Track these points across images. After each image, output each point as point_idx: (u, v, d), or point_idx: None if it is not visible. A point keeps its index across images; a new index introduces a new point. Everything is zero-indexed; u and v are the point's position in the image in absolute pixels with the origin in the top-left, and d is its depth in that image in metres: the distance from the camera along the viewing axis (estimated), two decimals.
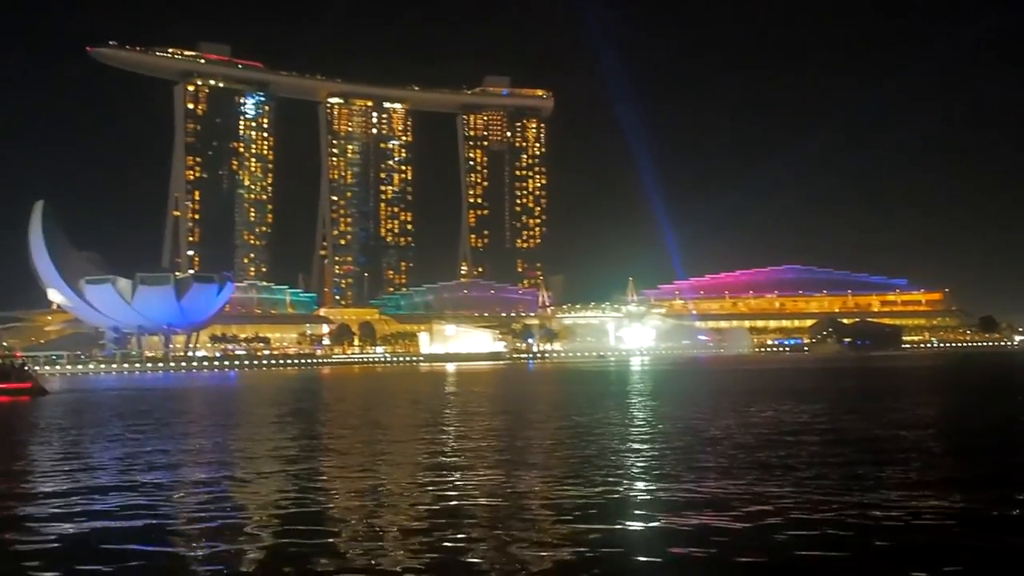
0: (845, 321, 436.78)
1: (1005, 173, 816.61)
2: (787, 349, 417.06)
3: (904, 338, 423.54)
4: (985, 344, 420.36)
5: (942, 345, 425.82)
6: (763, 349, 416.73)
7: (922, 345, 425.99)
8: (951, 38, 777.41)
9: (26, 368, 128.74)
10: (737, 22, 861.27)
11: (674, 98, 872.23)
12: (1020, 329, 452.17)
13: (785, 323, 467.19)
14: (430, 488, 30.99)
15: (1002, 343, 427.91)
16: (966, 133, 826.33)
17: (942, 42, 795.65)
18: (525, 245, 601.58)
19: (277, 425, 58.87)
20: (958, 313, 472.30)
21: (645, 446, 42.02)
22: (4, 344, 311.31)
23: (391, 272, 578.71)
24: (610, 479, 32.18)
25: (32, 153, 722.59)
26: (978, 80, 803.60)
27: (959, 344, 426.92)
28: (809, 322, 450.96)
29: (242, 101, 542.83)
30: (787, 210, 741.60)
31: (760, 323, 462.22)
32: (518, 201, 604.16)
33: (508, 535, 22.93)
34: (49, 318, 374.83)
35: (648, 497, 28.81)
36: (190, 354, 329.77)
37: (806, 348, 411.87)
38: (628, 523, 24.44)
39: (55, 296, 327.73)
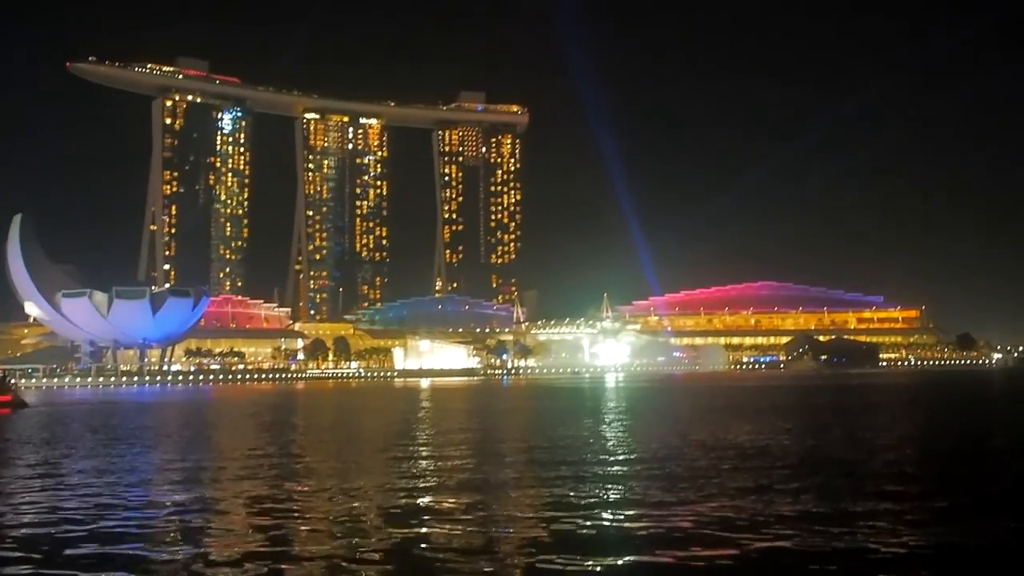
0: (821, 338, 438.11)
1: (982, 188, 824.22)
2: (763, 366, 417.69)
3: (881, 355, 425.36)
4: (962, 362, 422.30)
5: (919, 363, 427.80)
6: (739, 366, 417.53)
7: (899, 363, 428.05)
8: (926, 49, 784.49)
9: (7, 381, 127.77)
10: (709, 37, 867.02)
11: (648, 113, 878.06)
12: (998, 347, 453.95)
13: (761, 340, 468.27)
14: (398, 516, 31.08)
15: (979, 361, 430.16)
16: (943, 146, 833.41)
17: (918, 53, 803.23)
18: (500, 260, 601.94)
19: (249, 440, 58.75)
20: (935, 330, 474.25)
21: (620, 469, 42.25)
22: None
23: (366, 287, 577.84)
24: (585, 508, 32.35)
25: (10, 167, 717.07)
26: (954, 91, 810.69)
27: (936, 362, 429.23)
28: (785, 339, 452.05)
29: (219, 116, 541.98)
30: (762, 225, 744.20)
31: (736, 340, 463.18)
32: (493, 216, 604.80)
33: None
34: (25, 331, 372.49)
35: (622, 527, 28.97)
36: (165, 368, 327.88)
37: (782, 365, 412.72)
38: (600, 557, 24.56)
39: (32, 309, 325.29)
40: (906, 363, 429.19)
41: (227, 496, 34.77)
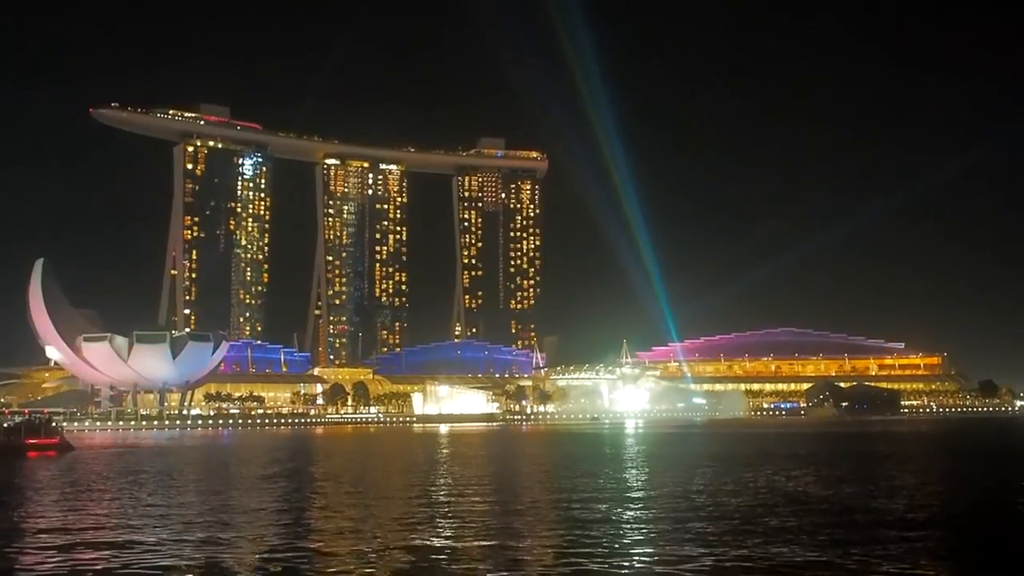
0: (842, 385, 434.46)
1: (1004, 236, 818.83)
2: (783, 413, 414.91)
3: (902, 402, 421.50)
4: (985, 409, 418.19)
5: (941, 410, 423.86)
6: (759, 412, 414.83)
7: (921, 410, 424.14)
8: (950, 97, 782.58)
9: (53, 424, 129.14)
10: (732, 81, 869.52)
11: (669, 160, 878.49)
12: (1021, 394, 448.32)
13: (781, 386, 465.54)
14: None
15: (1002, 408, 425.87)
16: (965, 194, 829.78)
17: (940, 101, 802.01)
18: (519, 306, 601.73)
19: (267, 487, 58.76)
20: (957, 377, 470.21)
21: (640, 514, 42.02)
22: (1, 401, 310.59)
23: (385, 332, 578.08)
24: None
25: (33, 212, 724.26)
26: (978, 139, 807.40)
27: (958, 409, 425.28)
28: (805, 385, 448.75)
29: (240, 162, 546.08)
30: (783, 272, 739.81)
31: (756, 386, 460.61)
32: (512, 262, 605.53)
33: None
34: (46, 375, 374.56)
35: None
36: (185, 412, 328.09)
37: (803, 412, 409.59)
38: None
39: (53, 353, 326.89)
40: (928, 410, 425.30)
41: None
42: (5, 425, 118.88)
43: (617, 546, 32.15)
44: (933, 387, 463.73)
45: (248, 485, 62.07)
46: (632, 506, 44.41)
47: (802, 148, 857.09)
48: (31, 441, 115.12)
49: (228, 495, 54.54)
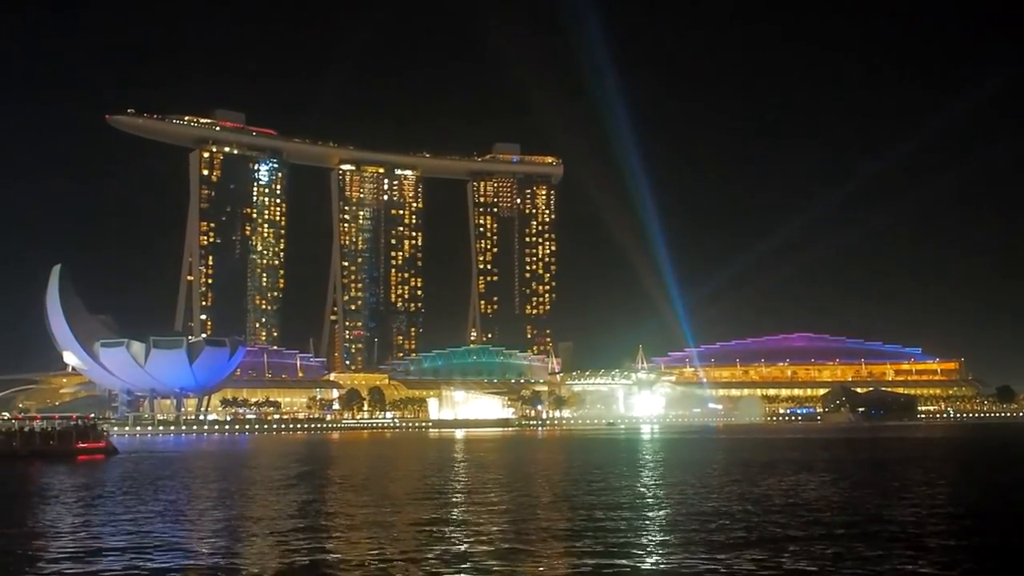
0: (858, 390, 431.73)
1: (1022, 239, 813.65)
2: (799, 418, 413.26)
3: (919, 408, 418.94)
4: (1002, 415, 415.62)
5: (958, 416, 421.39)
6: (775, 418, 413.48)
7: (937, 415, 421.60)
8: (963, 101, 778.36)
9: (100, 429, 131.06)
10: (746, 86, 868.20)
11: (685, 163, 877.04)
12: None
13: (797, 391, 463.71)
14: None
15: (1020, 414, 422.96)
16: (982, 197, 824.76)
17: (955, 105, 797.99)
18: (534, 311, 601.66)
19: (287, 492, 59.00)
20: (974, 383, 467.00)
21: (655, 527, 42.01)
22: (20, 406, 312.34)
23: (401, 337, 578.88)
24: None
25: (50, 218, 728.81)
26: (992, 142, 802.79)
27: (976, 415, 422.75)
28: (822, 391, 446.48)
29: (255, 167, 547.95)
30: (799, 277, 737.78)
31: (772, 391, 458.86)
32: (527, 267, 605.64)
33: None
34: (64, 380, 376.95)
35: None
36: (201, 417, 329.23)
37: (819, 417, 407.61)
38: None
39: (70, 359, 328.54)
40: (945, 416, 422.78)
41: None
42: (53, 430, 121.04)
43: (629, 559, 32.16)
44: (950, 392, 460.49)
45: (311, 487, 62.39)
46: (646, 514, 44.41)
47: (819, 150, 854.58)
48: (80, 445, 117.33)
49: (304, 496, 54.85)
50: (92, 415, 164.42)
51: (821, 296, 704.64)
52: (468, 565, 30.61)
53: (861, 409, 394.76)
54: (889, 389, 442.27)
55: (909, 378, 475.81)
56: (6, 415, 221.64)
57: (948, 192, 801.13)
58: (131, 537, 38.54)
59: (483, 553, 32.95)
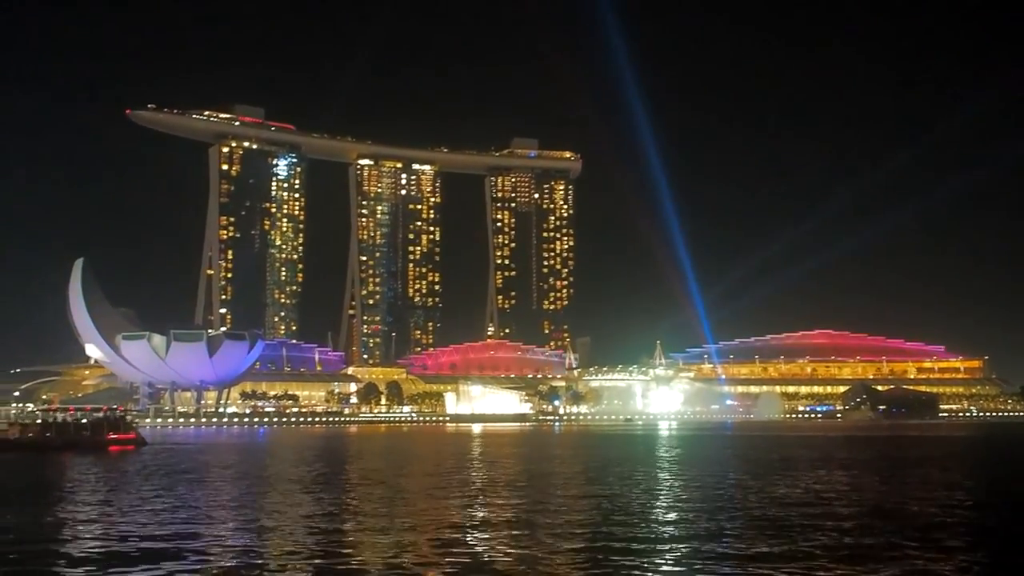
0: (879, 388, 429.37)
1: None
2: (819, 416, 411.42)
3: (941, 406, 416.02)
4: None
5: (981, 414, 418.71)
6: (794, 415, 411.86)
7: (960, 414, 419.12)
8: (985, 94, 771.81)
9: (129, 420, 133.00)
10: (766, 81, 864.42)
11: (704, 160, 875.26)
12: None
13: (817, 389, 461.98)
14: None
15: None
16: (1008, 195, 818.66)
17: (974, 98, 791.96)
18: (552, 307, 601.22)
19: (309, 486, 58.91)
20: (997, 382, 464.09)
21: (670, 521, 41.59)
22: (43, 397, 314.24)
23: (418, 332, 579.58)
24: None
25: (71, 213, 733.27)
26: (1021, 138, 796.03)
27: (999, 413, 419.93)
28: (842, 388, 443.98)
29: (274, 162, 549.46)
30: (819, 274, 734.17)
31: (791, 388, 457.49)
32: (545, 262, 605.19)
33: None
34: (86, 372, 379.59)
35: None
36: (221, 410, 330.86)
37: (839, 415, 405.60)
38: None
39: (92, 351, 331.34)
40: (967, 414, 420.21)
41: None
42: (85, 421, 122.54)
43: (647, 558, 31.75)
44: (973, 391, 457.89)
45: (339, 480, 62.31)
46: (663, 515, 44.02)
47: (839, 146, 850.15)
48: (112, 436, 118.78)
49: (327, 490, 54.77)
50: (122, 407, 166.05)
51: (842, 293, 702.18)
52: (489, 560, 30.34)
53: (882, 407, 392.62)
54: (911, 387, 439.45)
55: (931, 376, 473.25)
56: (31, 406, 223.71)
57: (974, 189, 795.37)
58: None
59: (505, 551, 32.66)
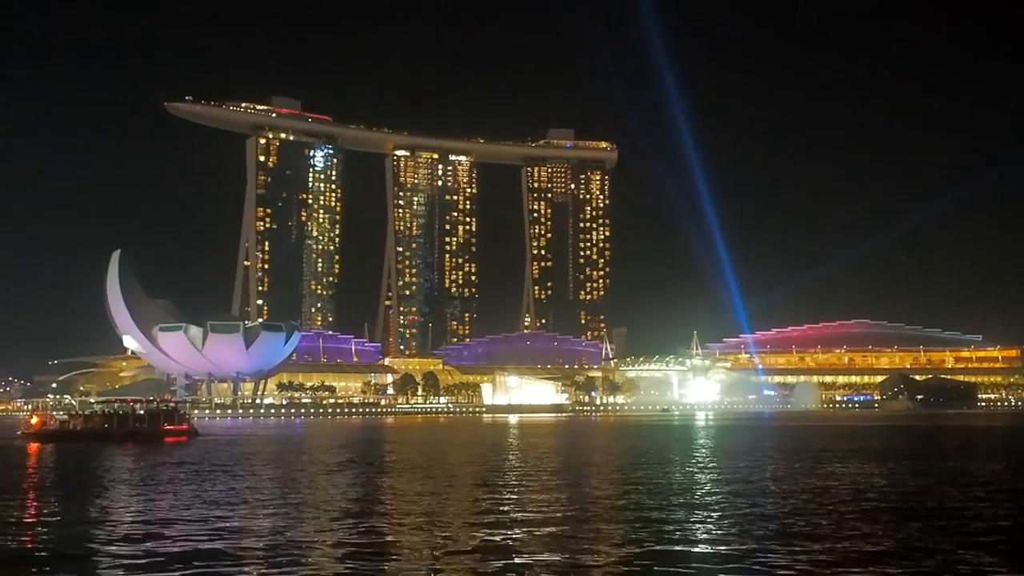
0: (917, 377, 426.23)
1: None
2: (856, 405, 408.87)
3: (979, 396, 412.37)
4: None
5: (1019, 404, 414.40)
6: (831, 405, 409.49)
7: (998, 404, 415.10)
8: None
9: (182, 412, 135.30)
10: (802, 73, 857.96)
11: (740, 149, 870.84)
12: None
13: (854, 379, 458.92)
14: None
15: None
16: None
17: (1019, 90, 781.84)
18: (588, 297, 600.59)
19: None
20: None
21: (708, 510, 41.41)
22: (81, 389, 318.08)
23: (455, 323, 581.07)
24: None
25: (109, 204, 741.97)
26: None
27: None
28: (879, 378, 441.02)
29: (311, 153, 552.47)
30: (856, 263, 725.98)
31: (828, 378, 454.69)
32: (582, 253, 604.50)
33: None
34: (124, 364, 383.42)
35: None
36: (258, 401, 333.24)
37: (876, 405, 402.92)
38: None
39: (130, 343, 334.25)
40: (1006, 404, 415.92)
41: None
42: (142, 412, 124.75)
43: (683, 553, 31.61)
44: (1012, 380, 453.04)
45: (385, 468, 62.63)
46: (697, 508, 43.86)
47: (876, 136, 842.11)
48: (167, 427, 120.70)
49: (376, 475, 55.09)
50: (174, 399, 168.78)
51: (879, 283, 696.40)
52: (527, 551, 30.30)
53: (920, 397, 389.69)
54: (949, 377, 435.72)
55: (969, 365, 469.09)
56: (68, 398, 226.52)
57: (1012, 176, 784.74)
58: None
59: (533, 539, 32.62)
